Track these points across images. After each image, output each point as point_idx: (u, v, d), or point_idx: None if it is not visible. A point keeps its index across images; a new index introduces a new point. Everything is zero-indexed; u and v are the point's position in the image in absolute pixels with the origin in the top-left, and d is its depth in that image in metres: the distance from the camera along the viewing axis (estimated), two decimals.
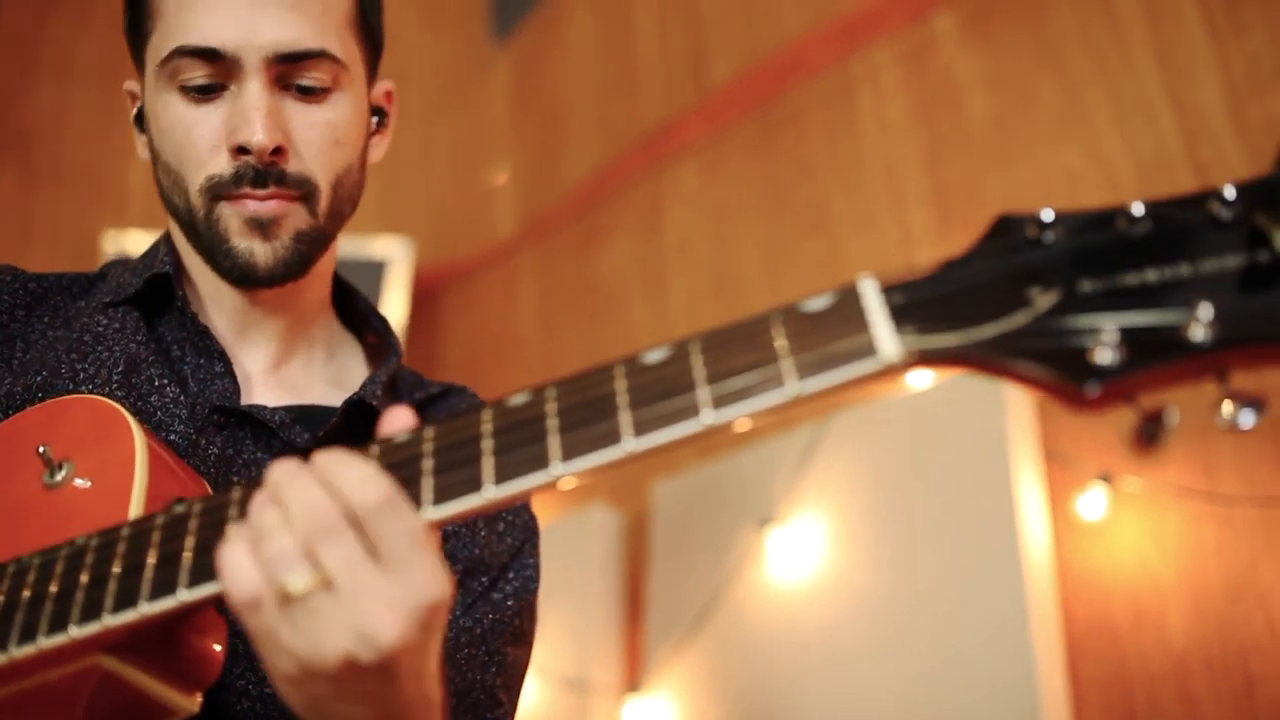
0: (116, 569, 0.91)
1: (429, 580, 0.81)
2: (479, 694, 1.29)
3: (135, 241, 3.14)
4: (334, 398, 1.36)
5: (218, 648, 1.01)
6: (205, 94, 1.24)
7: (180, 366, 1.30)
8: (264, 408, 1.27)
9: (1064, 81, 2.47)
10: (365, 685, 0.84)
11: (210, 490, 1.11)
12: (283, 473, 0.85)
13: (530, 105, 3.79)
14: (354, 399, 1.29)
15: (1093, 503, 2.09)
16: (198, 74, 1.23)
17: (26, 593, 0.94)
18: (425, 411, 1.42)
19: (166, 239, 1.39)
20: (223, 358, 1.30)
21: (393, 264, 3.38)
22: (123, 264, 1.43)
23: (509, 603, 1.33)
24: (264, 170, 1.23)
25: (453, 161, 3.89)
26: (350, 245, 3.34)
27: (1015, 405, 2.19)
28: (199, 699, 1.00)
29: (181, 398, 1.24)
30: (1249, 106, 2.17)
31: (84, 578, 0.92)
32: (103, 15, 3.63)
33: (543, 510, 1.48)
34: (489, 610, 1.30)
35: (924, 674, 2.13)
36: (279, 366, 1.36)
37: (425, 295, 3.59)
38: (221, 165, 1.24)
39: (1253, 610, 1.93)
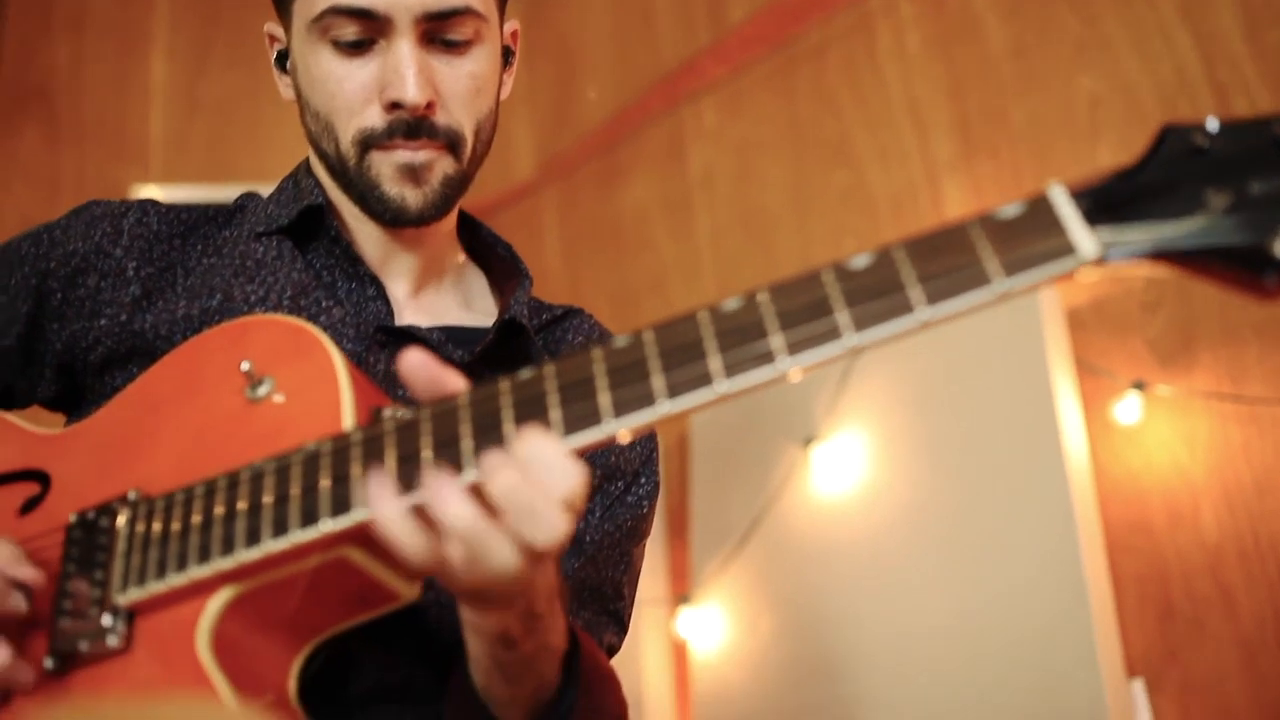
0: (357, 470, 1.00)
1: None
2: (607, 589, 1.41)
3: (159, 196, 3.18)
4: (469, 319, 1.47)
5: None
6: (356, 48, 1.32)
7: (335, 291, 1.39)
8: (419, 328, 1.36)
9: (1081, 9, 2.57)
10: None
11: (390, 401, 1.19)
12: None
13: (543, 50, 3.84)
14: (507, 318, 1.39)
15: (1127, 409, 2.22)
16: (349, 30, 1.31)
17: (269, 495, 1.03)
18: (550, 331, 1.53)
19: (307, 171, 1.47)
20: (375, 282, 1.40)
21: None
22: (255, 197, 1.51)
23: (640, 506, 1.44)
24: (416, 123, 1.31)
25: None
26: None
27: (1050, 321, 2.31)
28: (419, 586, 1.10)
29: (346, 319, 1.34)
30: (1267, 32, 2.27)
31: (324, 480, 1.01)
32: None
33: None
34: (625, 513, 1.42)
35: (971, 579, 2.25)
36: (418, 292, 1.46)
37: None
38: (374, 118, 1.32)
39: None
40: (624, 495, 1.43)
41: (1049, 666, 2.08)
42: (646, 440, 1.49)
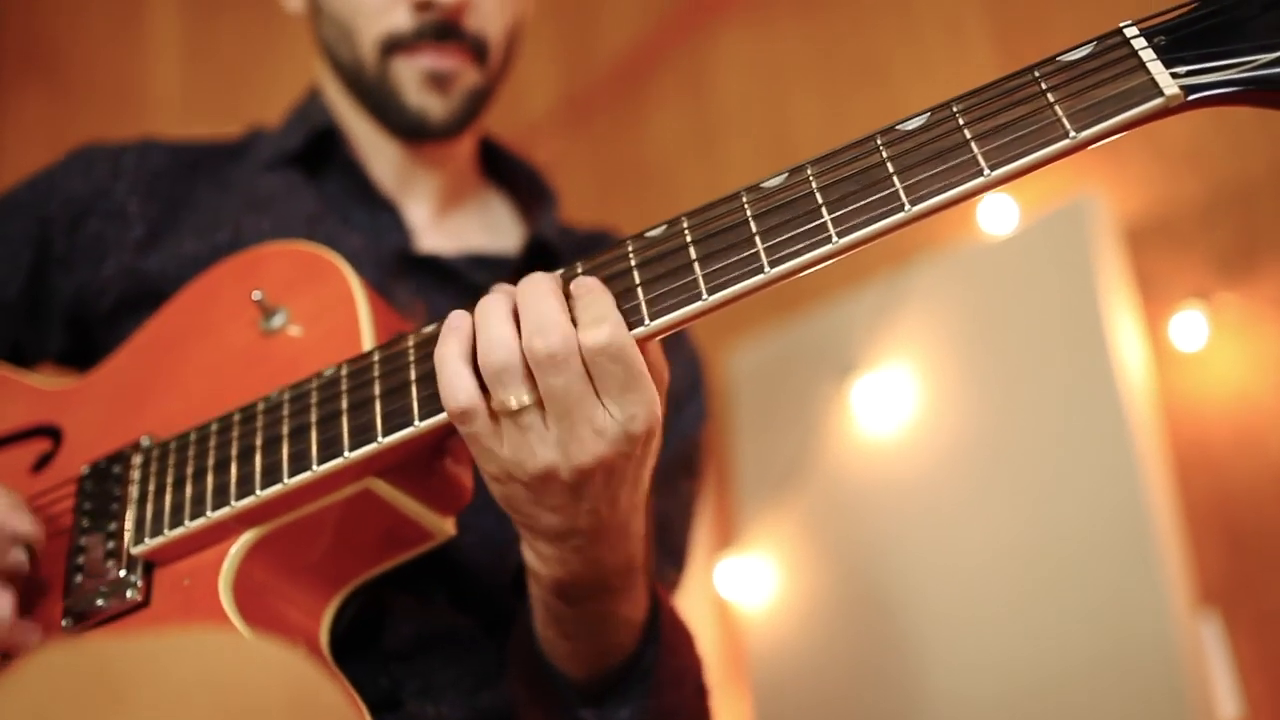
0: (378, 391, 0.93)
1: (640, 414, 0.85)
2: (661, 522, 1.33)
3: None
4: (494, 243, 1.40)
5: (469, 475, 1.04)
6: None
7: (350, 219, 1.32)
8: (442, 256, 1.30)
9: None
10: (558, 498, 0.89)
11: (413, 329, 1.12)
12: (531, 291, 0.87)
13: None
14: (537, 238, 1.32)
15: (1188, 323, 2.11)
16: None
17: (286, 427, 0.97)
18: (578, 256, 1.45)
19: (314, 97, 1.40)
20: (391, 209, 1.32)
21: None
22: (262, 132, 1.45)
23: (689, 433, 1.37)
24: (446, 25, 1.24)
25: None
26: None
27: (1102, 238, 2.20)
28: (453, 523, 1.03)
29: (365, 248, 1.27)
30: None
31: (344, 404, 0.94)
32: None
33: None
34: (674, 440, 1.34)
35: (1027, 514, 2.15)
36: (440, 216, 1.39)
37: None
38: (399, 20, 1.25)
39: None
40: (672, 422, 1.36)
41: (1111, 598, 1.98)
42: (690, 365, 1.42)
